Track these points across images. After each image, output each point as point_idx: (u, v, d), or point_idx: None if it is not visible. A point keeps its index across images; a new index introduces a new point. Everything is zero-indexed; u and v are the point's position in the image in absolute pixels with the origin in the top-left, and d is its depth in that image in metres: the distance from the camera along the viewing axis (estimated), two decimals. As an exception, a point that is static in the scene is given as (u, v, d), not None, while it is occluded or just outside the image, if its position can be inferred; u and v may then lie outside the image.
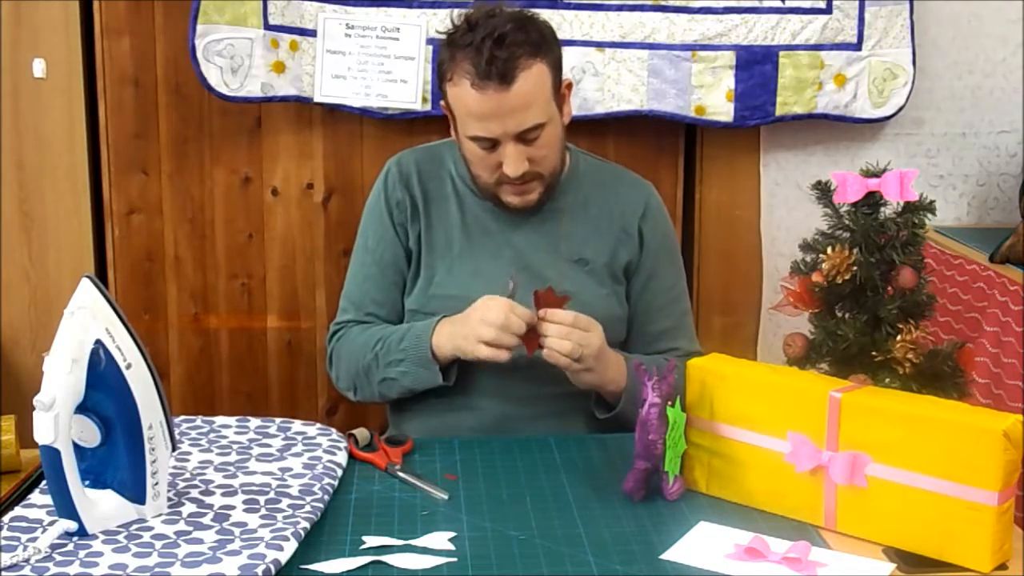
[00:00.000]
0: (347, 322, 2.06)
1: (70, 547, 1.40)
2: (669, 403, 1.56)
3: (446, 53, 1.89)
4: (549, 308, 1.81)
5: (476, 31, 1.84)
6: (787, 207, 2.73)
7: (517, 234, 2.01)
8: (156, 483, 1.47)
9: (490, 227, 2.02)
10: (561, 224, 2.02)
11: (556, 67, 1.91)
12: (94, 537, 1.42)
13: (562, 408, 1.96)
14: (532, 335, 1.82)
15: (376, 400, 2.04)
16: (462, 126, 1.91)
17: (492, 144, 1.89)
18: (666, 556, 1.44)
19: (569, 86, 1.99)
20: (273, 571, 1.34)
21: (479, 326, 1.81)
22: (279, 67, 2.51)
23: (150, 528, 1.45)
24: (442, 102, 1.96)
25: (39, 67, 2.51)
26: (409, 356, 1.92)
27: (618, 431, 1.87)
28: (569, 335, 1.80)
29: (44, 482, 1.48)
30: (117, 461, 1.46)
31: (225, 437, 1.75)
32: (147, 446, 1.45)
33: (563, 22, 2.51)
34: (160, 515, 1.48)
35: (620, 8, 2.55)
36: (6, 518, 1.47)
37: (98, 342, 1.41)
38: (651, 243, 2.06)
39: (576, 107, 2.50)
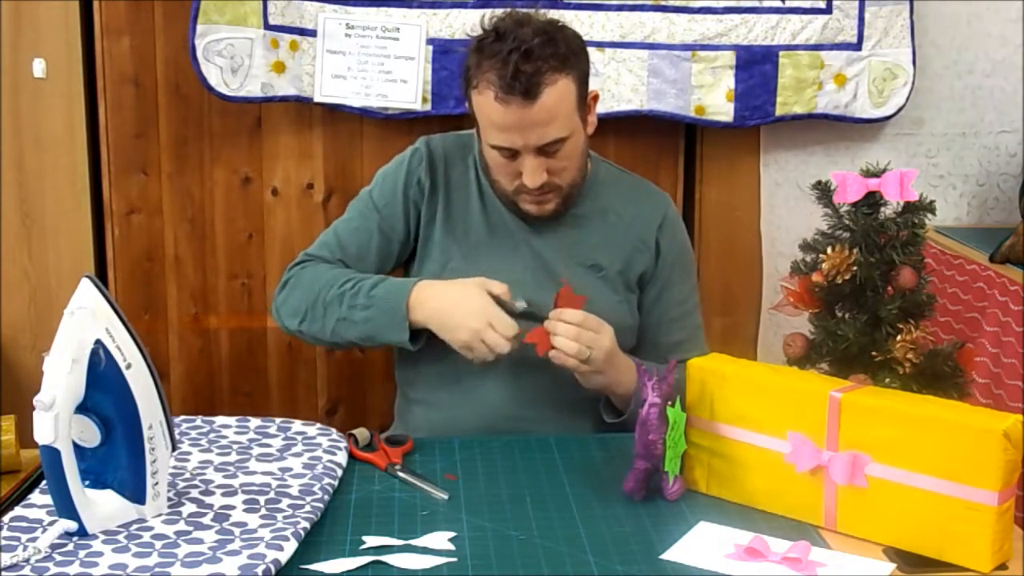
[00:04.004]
0: (318, 257, 2.04)
1: (70, 547, 1.40)
2: (669, 403, 1.57)
3: (473, 59, 1.88)
4: (565, 308, 1.82)
5: (504, 41, 1.83)
6: (787, 207, 2.73)
7: (534, 234, 2.02)
8: (156, 483, 1.48)
9: (509, 224, 2.02)
10: (578, 229, 2.03)
11: (582, 80, 1.91)
12: (94, 537, 1.42)
13: (570, 409, 1.96)
14: (544, 335, 1.83)
15: (322, 338, 1.97)
16: (484, 134, 1.92)
17: (512, 154, 1.89)
18: (666, 556, 1.44)
19: (596, 98, 1.99)
20: (273, 571, 1.34)
21: (460, 331, 1.83)
22: (279, 67, 2.51)
23: (150, 528, 1.45)
24: (467, 104, 1.97)
25: (39, 67, 2.51)
26: (378, 304, 1.90)
27: (621, 431, 1.87)
28: (578, 336, 1.81)
29: (44, 482, 1.48)
30: (117, 461, 1.46)
31: (225, 437, 1.75)
32: (147, 446, 1.46)
33: (563, 22, 2.51)
34: (160, 515, 1.48)
35: (620, 8, 2.55)
36: (6, 518, 1.47)
37: (98, 342, 1.41)
38: (667, 255, 2.06)
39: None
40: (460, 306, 1.85)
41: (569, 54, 1.87)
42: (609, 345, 1.84)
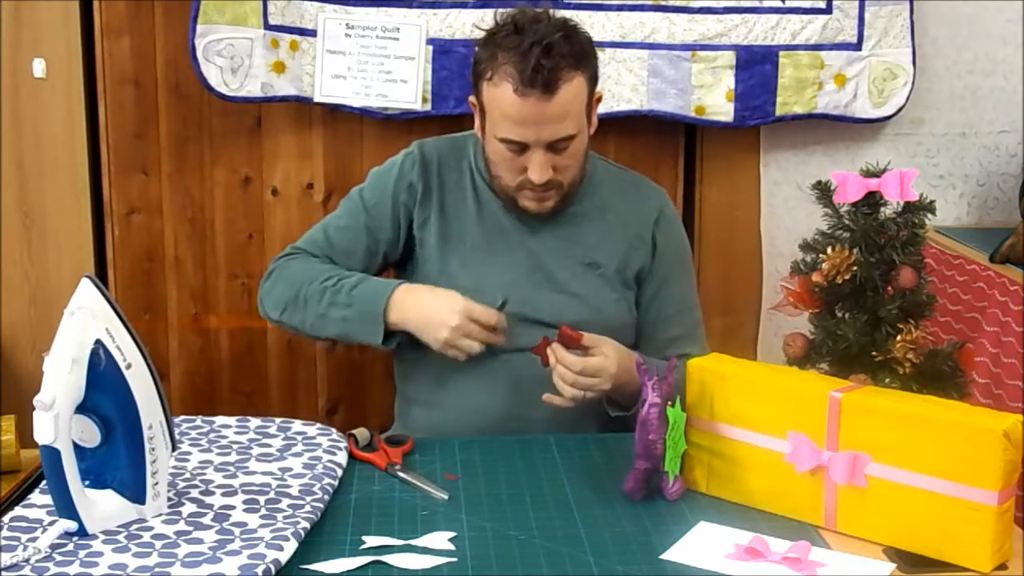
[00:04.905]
0: (305, 251, 2.06)
1: (70, 547, 1.40)
2: (669, 403, 1.56)
3: (486, 52, 1.88)
4: (564, 344, 1.83)
5: (524, 35, 1.84)
6: (787, 207, 2.73)
7: (532, 234, 2.02)
8: (156, 483, 1.47)
9: (505, 225, 2.02)
10: (576, 227, 2.03)
11: (593, 79, 1.92)
12: (94, 537, 1.42)
13: (570, 411, 1.96)
14: (545, 351, 1.85)
15: (301, 331, 2.01)
16: (493, 126, 1.91)
17: (521, 148, 1.89)
18: (666, 556, 1.44)
19: (599, 99, 1.99)
20: (273, 571, 1.34)
21: (441, 328, 1.86)
22: (279, 67, 2.51)
23: (150, 528, 1.45)
24: (471, 98, 1.97)
25: (39, 67, 2.51)
26: (356, 305, 1.92)
27: (622, 431, 1.87)
28: (575, 383, 1.82)
29: (44, 482, 1.48)
30: (117, 461, 1.46)
31: (225, 437, 1.75)
32: (147, 446, 1.45)
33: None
34: (160, 515, 1.48)
35: (620, 8, 2.55)
36: (6, 518, 1.47)
37: (98, 342, 1.41)
38: (664, 251, 2.06)
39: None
40: (437, 307, 1.88)
41: (583, 53, 1.88)
42: (609, 386, 1.85)
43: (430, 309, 1.89)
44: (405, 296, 1.92)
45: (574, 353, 1.83)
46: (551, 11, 1.92)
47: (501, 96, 1.86)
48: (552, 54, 1.82)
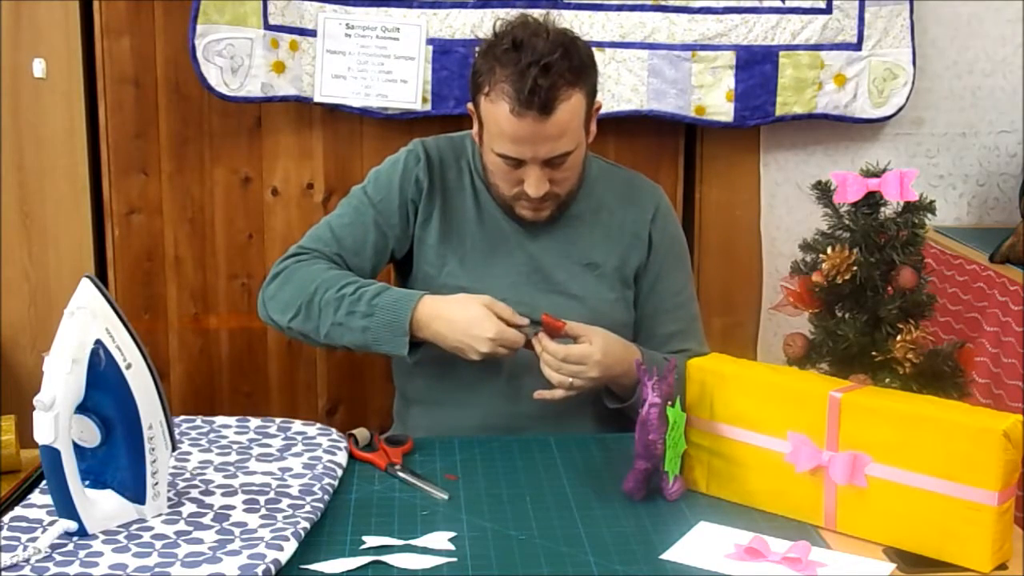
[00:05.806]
0: (315, 250, 2.00)
1: (70, 547, 1.40)
2: (669, 403, 1.57)
3: (485, 64, 1.87)
4: (548, 333, 1.83)
5: (522, 52, 1.81)
6: (787, 207, 2.73)
7: (530, 238, 2.02)
8: (156, 483, 1.48)
9: (504, 227, 2.02)
10: (573, 229, 2.03)
11: (591, 94, 1.91)
12: (94, 537, 1.42)
13: (569, 408, 1.96)
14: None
15: (313, 339, 1.93)
16: (491, 140, 1.90)
17: (517, 163, 1.89)
18: (666, 556, 1.44)
19: (598, 108, 1.98)
20: (273, 571, 1.34)
21: (477, 341, 1.81)
22: (279, 67, 2.51)
23: (150, 528, 1.45)
24: (469, 104, 1.96)
25: (39, 67, 2.51)
26: (380, 315, 1.86)
27: (625, 425, 1.86)
28: (559, 369, 1.82)
29: (44, 482, 1.48)
30: (117, 461, 1.46)
31: (225, 437, 1.75)
32: (147, 446, 1.46)
33: (563, 22, 2.51)
34: (160, 515, 1.48)
35: (620, 8, 2.55)
36: (6, 518, 1.47)
37: (98, 342, 1.41)
38: (659, 246, 2.06)
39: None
40: (468, 318, 1.83)
41: (582, 68, 1.87)
42: (597, 374, 1.84)
43: (461, 329, 1.83)
44: (432, 310, 1.86)
45: (561, 342, 1.83)
46: (551, 21, 1.89)
47: (498, 113, 1.85)
48: (550, 73, 1.80)
